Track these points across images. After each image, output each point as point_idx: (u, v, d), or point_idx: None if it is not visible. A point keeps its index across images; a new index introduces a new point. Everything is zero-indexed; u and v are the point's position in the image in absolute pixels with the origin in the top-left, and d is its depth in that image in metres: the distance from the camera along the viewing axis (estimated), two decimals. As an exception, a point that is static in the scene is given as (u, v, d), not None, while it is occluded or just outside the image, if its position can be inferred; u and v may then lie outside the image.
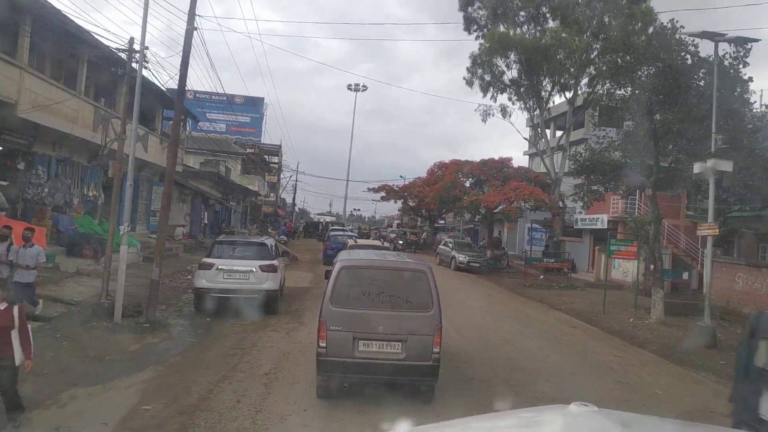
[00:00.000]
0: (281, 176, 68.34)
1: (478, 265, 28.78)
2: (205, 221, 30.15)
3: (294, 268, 23.57)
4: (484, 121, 31.28)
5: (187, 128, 28.72)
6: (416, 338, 6.74)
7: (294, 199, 73.32)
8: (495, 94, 30.72)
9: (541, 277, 26.58)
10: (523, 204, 30.85)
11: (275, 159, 63.59)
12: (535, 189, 29.43)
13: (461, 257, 29.00)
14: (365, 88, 72.17)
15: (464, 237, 44.51)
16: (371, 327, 6.72)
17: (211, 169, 31.55)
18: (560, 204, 31.71)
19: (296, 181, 66.90)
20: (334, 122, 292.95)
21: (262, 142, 57.61)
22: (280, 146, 62.14)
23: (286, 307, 13.60)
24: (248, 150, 51.60)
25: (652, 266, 16.82)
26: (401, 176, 66.95)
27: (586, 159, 17.54)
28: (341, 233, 29.40)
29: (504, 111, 31.32)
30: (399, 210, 71.53)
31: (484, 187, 33.77)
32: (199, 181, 30.26)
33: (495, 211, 31.98)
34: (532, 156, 51.73)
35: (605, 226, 28.07)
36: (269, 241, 13.42)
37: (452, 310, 15.65)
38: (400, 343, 6.73)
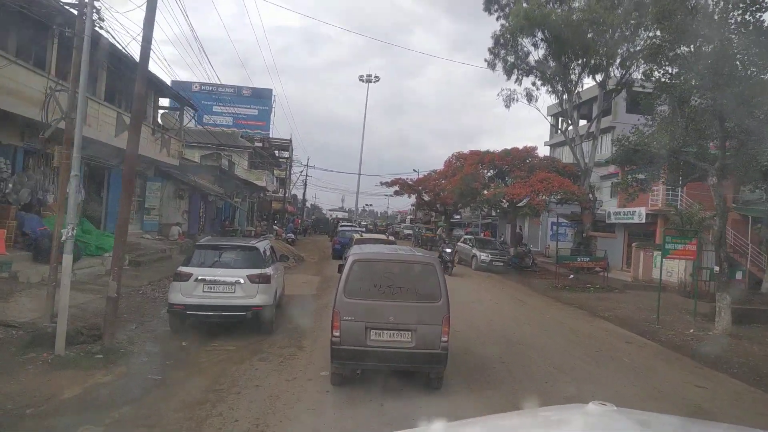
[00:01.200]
0: (291, 171, 66.17)
1: (501, 264, 26.35)
2: (203, 218, 27.89)
3: (299, 270, 21.28)
4: (507, 106, 28.79)
5: (185, 119, 26.50)
6: (425, 328, 7.04)
7: (304, 194, 71.01)
8: (520, 77, 28.14)
9: (571, 276, 24.07)
10: (549, 197, 28.28)
11: (285, 154, 61.34)
12: (564, 180, 26.84)
13: (483, 256, 26.57)
14: (377, 78, 70.15)
15: (482, 232, 42.07)
16: (382, 317, 7.03)
17: (212, 162, 29.28)
18: (590, 196, 29.13)
19: (306, 176, 64.50)
20: (347, 118, 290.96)
21: (270, 135, 55.38)
22: (290, 141, 59.88)
23: (284, 323, 11.28)
24: (256, 144, 49.42)
25: (717, 267, 14.28)
26: (415, 170, 64.74)
27: (634, 144, 14.94)
28: (349, 229, 30.04)
29: (529, 96, 28.74)
30: (412, 205, 69.17)
31: (506, 179, 31.22)
32: (199, 176, 28.06)
33: (519, 204, 29.44)
34: (553, 147, 49.13)
35: (643, 221, 25.44)
36: (262, 245, 11.07)
37: (482, 321, 13.23)
38: (409, 332, 7.03)
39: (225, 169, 30.87)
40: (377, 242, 16.57)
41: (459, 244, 30.85)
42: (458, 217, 57.61)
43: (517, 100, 29.04)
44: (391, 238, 26.61)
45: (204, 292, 9.60)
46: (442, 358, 7.08)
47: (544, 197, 28.00)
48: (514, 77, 28.24)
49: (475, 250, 27.37)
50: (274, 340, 9.79)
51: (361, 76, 68.97)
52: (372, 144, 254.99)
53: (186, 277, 9.62)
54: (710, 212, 23.16)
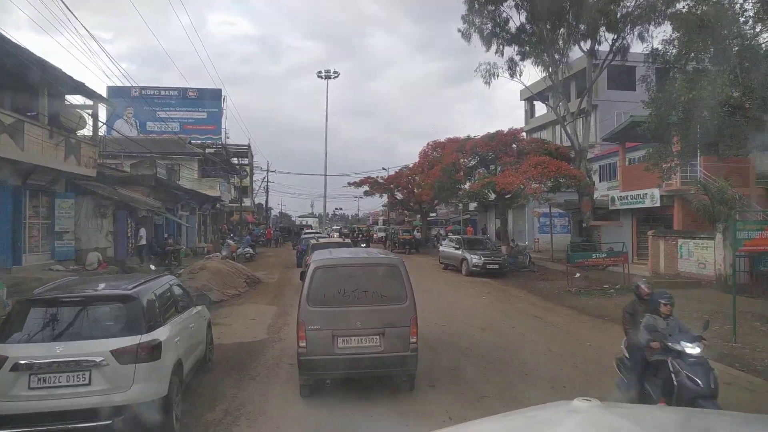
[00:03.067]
0: (253, 179, 61.45)
1: (497, 267, 22.35)
2: (144, 241, 23.06)
3: (250, 298, 16.76)
4: (487, 83, 24.75)
5: (102, 119, 21.82)
6: (393, 330, 6.89)
7: (267, 201, 66.26)
8: (500, 47, 24.26)
9: (577, 275, 20.29)
10: (543, 184, 24.48)
11: (245, 161, 56.52)
12: (561, 164, 23.06)
13: (475, 259, 22.52)
14: (337, 74, 66.21)
15: (464, 230, 38.18)
16: (349, 323, 6.83)
17: (144, 171, 24.52)
18: (588, 180, 25.44)
19: (267, 181, 59.85)
20: (312, 124, 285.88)
21: (224, 140, 50.48)
22: (248, 146, 55.09)
23: (198, 412, 6.88)
24: (207, 150, 44.58)
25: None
26: (384, 168, 60.80)
27: (685, 102, 10.97)
28: (312, 235, 29.75)
29: (512, 68, 24.87)
30: (384, 206, 65.25)
31: (490, 167, 27.30)
32: (130, 189, 23.38)
33: (507, 196, 25.57)
34: (530, 132, 45.80)
35: (657, 204, 21.77)
36: (147, 288, 6.56)
37: (512, 361, 8.98)
38: (378, 337, 6.87)
39: (162, 178, 26.10)
40: (330, 245, 16.26)
41: (443, 247, 26.85)
42: (434, 214, 53.80)
43: (498, 76, 25.12)
44: (347, 240, 25.38)
45: (31, 388, 5.21)
46: (412, 360, 6.96)
47: (535, 184, 24.21)
48: (493, 48, 24.41)
49: (464, 252, 23.32)
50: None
51: (320, 72, 64.82)
52: (339, 148, 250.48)
53: (-4, 363, 5.22)
54: (739, 189, 19.75)
